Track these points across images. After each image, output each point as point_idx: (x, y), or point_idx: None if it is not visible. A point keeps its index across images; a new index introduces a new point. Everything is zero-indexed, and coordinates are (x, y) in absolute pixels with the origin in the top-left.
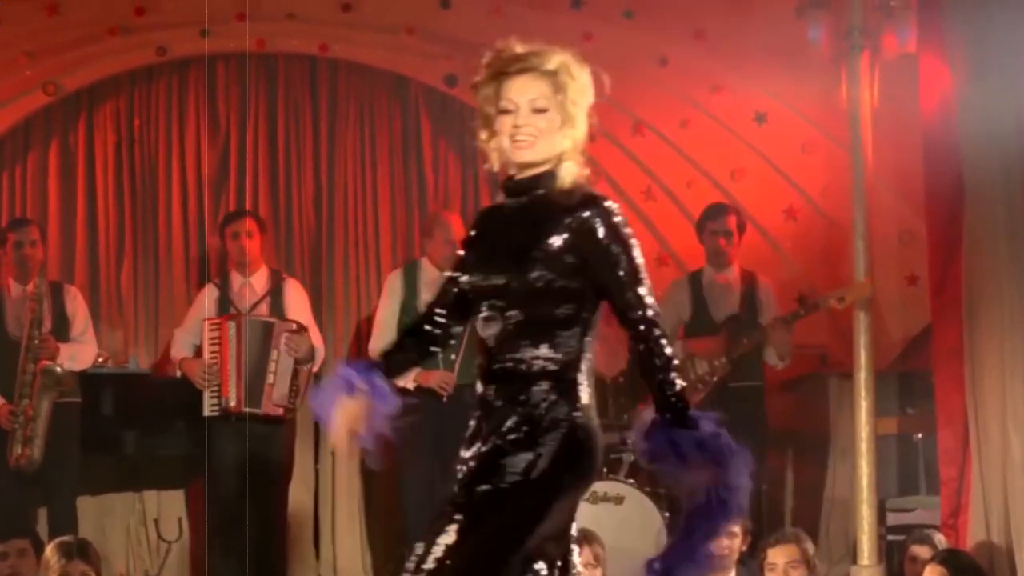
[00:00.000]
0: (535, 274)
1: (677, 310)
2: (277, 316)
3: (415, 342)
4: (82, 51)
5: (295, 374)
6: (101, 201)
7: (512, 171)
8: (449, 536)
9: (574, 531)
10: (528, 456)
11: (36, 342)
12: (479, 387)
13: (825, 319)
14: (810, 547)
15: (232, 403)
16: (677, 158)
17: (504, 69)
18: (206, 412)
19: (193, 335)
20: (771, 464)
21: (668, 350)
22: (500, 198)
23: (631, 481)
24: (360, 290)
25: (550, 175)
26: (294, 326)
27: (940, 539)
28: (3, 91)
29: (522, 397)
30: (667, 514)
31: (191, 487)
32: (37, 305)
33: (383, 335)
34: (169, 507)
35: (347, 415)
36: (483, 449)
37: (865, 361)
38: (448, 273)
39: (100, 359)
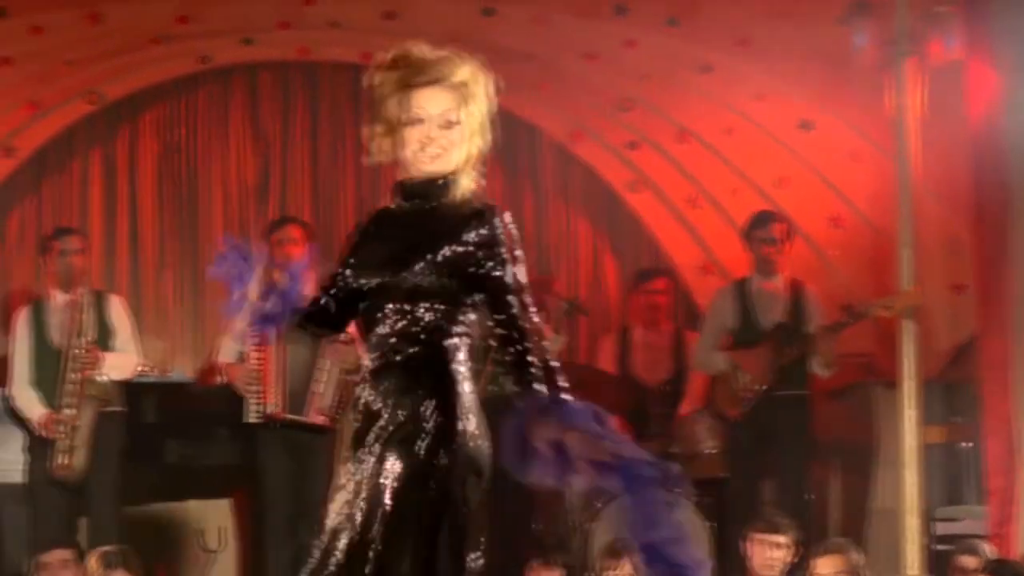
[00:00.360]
0: (428, 278)
1: (723, 318)
2: None
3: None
4: (124, 60)
5: (341, 384)
6: (144, 210)
7: (407, 174)
8: None
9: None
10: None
11: (79, 351)
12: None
13: (871, 328)
14: (858, 558)
15: (274, 409)
16: (721, 166)
17: (413, 79)
18: (247, 419)
19: (238, 342)
20: (816, 474)
21: (533, 359)
22: (391, 200)
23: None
24: None
25: (447, 184)
26: (343, 336)
27: (988, 549)
28: (45, 100)
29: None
30: (710, 523)
31: (235, 496)
32: (80, 314)
33: None
34: (212, 517)
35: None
36: None
37: (911, 370)
38: (341, 269)
39: (143, 368)
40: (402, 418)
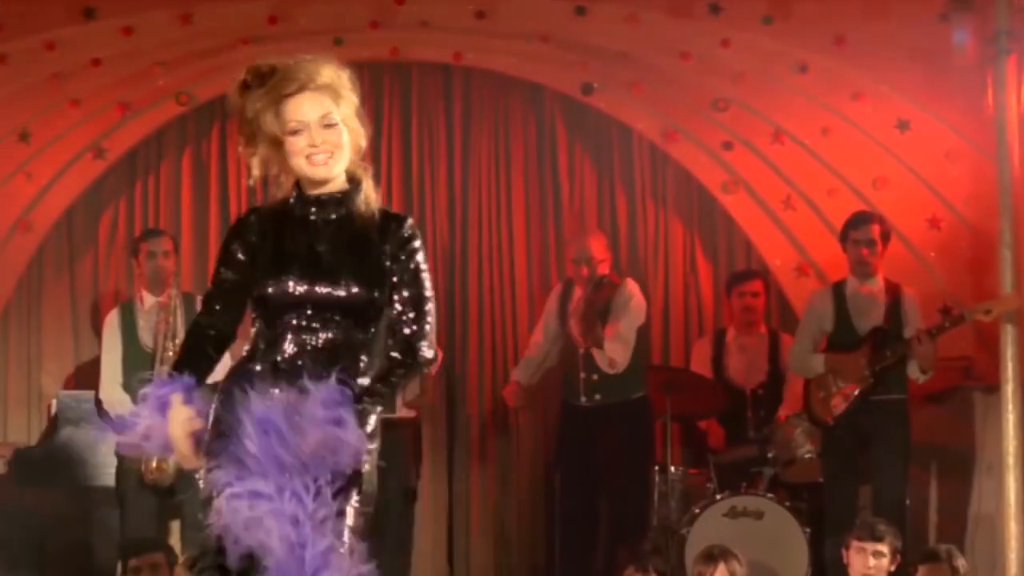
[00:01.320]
0: (361, 288)
1: (820, 321)
2: None
3: (212, 342)
4: (215, 61)
5: (423, 377)
6: (234, 211)
7: (306, 186)
8: None
9: None
10: None
11: (170, 354)
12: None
13: (970, 331)
14: (962, 565)
15: None
16: (817, 167)
17: (282, 90)
18: None
19: None
20: (915, 479)
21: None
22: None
23: (771, 496)
24: (494, 299)
25: (353, 193)
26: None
27: None
28: (136, 101)
29: None
30: (807, 529)
31: None
32: (170, 316)
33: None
34: None
35: (182, 424)
36: None
37: (1012, 374)
38: (224, 271)
39: None
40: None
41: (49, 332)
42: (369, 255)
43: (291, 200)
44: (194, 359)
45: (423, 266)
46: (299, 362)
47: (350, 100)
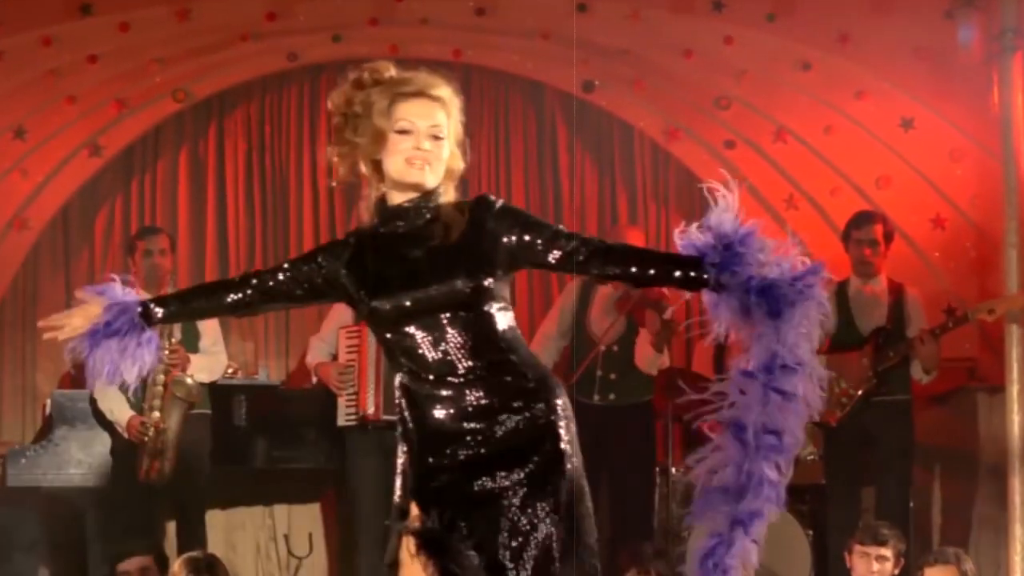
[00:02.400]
0: (465, 281)
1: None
2: None
3: (215, 291)
4: (212, 57)
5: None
6: (231, 209)
7: (392, 194)
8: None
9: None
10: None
11: (166, 353)
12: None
13: (974, 331)
14: (970, 568)
15: (371, 411)
16: (820, 165)
17: (400, 89)
18: (341, 421)
19: (329, 344)
20: (918, 481)
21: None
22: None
23: None
24: None
25: (434, 197)
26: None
27: None
28: (133, 98)
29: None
30: (810, 532)
31: (323, 501)
32: None
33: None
34: (300, 522)
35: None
36: None
37: (1017, 375)
38: (295, 264)
39: (230, 370)
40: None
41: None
42: (466, 246)
43: (377, 220)
44: (186, 291)
45: (531, 215)
46: (450, 359)
47: (457, 124)
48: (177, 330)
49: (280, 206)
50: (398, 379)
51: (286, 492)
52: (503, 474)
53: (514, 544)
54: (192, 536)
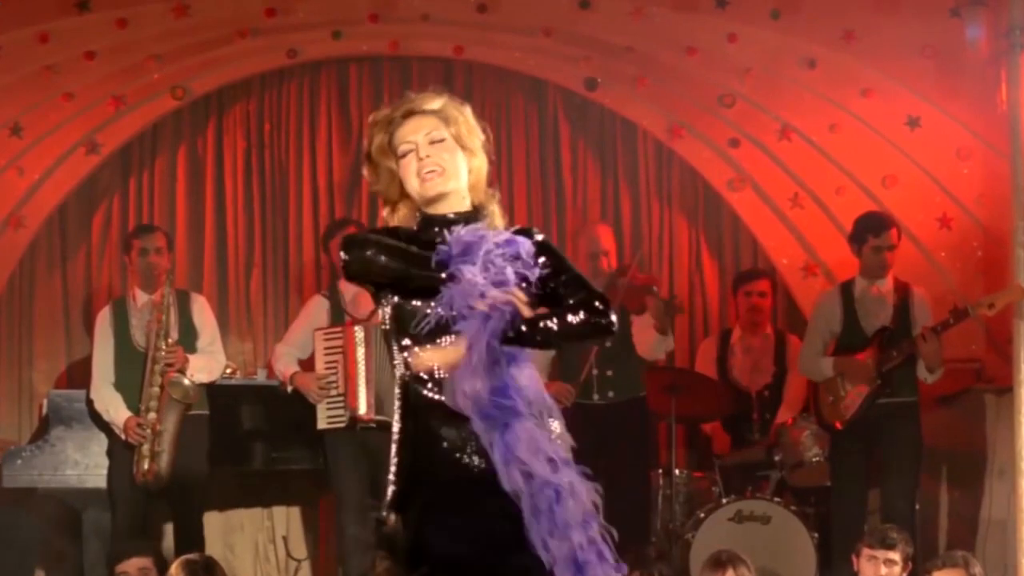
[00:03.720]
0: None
1: (828, 322)
2: None
3: None
4: (211, 54)
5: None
6: (230, 208)
7: (426, 208)
8: None
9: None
10: None
11: (163, 353)
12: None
13: (980, 331)
14: (978, 571)
15: (362, 411)
16: (826, 164)
17: (391, 119)
18: (322, 425)
19: (298, 349)
20: (925, 483)
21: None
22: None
23: (778, 500)
24: None
25: (480, 216)
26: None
27: None
28: (131, 95)
29: None
30: (815, 534)
31: (321, 503)
32: (164, 315)
33: None
34: (298, 524)
35: None
36: None
37: None
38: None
39: (228, 370)
40: None
41: (41, 330)
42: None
43: (416, 227)
44: None
45: (567, 260)
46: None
47: (462, 127)
48: (174, 330)
49: (279, 204)
50: (399, 385)
51: (285, 493)
52: (493, 500)
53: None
54: (190, 538)
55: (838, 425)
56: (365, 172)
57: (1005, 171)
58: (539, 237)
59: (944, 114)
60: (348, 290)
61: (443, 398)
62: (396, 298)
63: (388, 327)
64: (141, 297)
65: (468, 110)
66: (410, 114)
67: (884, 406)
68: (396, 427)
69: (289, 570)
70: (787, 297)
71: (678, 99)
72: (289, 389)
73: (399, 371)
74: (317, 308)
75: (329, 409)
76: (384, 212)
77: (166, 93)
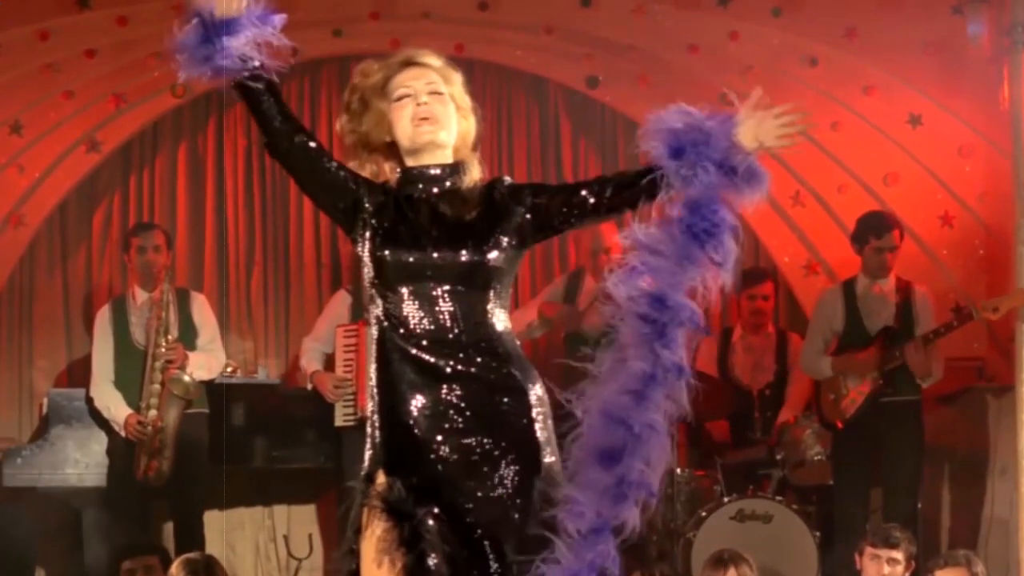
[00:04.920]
0: (471, 253)
1: (830, 320)
2: None
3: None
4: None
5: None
6: (230, 206)
7: (408, 158)
8: None
9: None
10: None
11: (163, 351)
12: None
13: (982, 331)
14: (980, 570)
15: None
16: (827, 162)
17: (390, 65)
18: (338, 422)
19: (324, 344)
20: (927, 482)
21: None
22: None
23: (779, 499)
24: None
25: (460, 170)
26: None
27: None
28: (131, 93)
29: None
30: (817, 533)
31: (322, 501)
32: (163, 313)
33: None
34: (299, 522)
35: None
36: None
37: None
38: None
39: (228, 368)
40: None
41: (41, 328)
42: (476, 220)
43: (398, 180)
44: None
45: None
46: (439, 329)
47: (460, 89)
48: (174, 328)
49: (280, 202)
50: (375, 333)
51: (286, 492)
52: (477, 451)
53: (484, 516)
54: (190, 537)
55: (840, 424)
56: (341, 123)
57: (1007, 169)
58: (507, 180)
59: (946, 112)
60: None
61: (425, 357)
62: (368, 241)
63: (367, 274)
64: (140, 295)
65: (459, 75)
66: (410, 63)
67: (886, 405)
68: (372, 378)
69: (290, 569)
70: (789, 296)
71: (680, 97)
72: (309, 387)
73: (374, 319)
74: (340, 303)
75: (345, 406)
76: (351, 164)
77: (166, 91)
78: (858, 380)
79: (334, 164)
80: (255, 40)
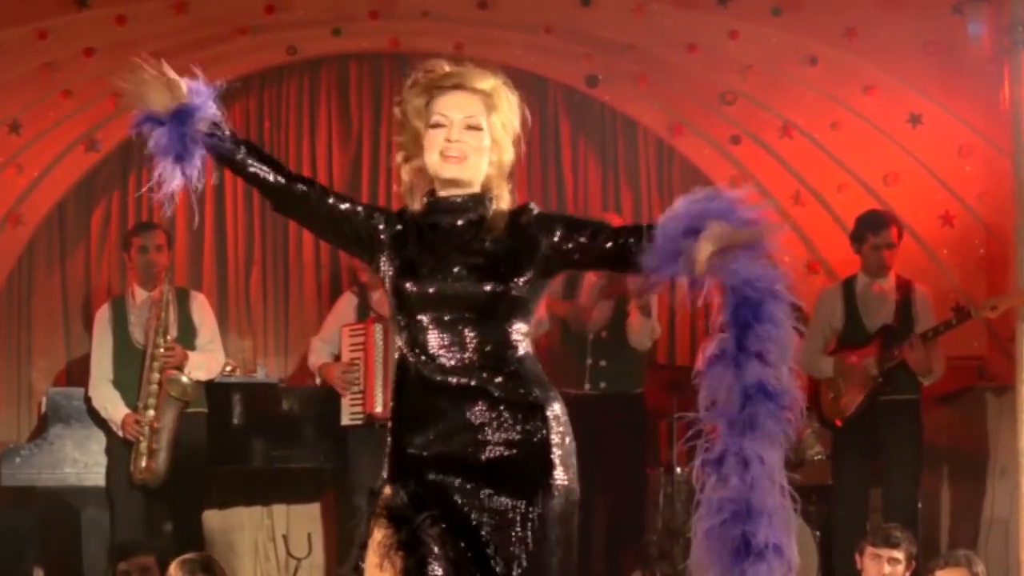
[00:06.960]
0: (490, 284)
1: (829, 319)
2: None
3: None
4: (211, 51)
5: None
6: (230, 206)
7: (437, 188)
8: None
9: None
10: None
11: (162, 350)
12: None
13: (982, 330)
14: (980, 570)
15: (378, 410)
16: (827, 161)
17: (437, 84)
18: (345, 420)
19: (331, 344)
20: (927, 482)
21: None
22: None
23: None
24: None
25: (486, 200)
26: None
27: None
28: None
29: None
30: (817, 533)
31: (322, 501)
32: (163, 312)
33: None
34: (298, 522)
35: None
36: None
37: None
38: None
39: (228, 368)
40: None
41: (39, 328)
42: (502, 251)
43: (424, 208)
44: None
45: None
46: (457, 360)
47: (505, 117)
48: (174, 327)
49: None
50: (398, 358)
51: (285, 492)
52: (488, 463)
53: (491, 533)
54: (189, 537)
55: (839, 422)
56: (397, 114)
57: (1007, 168)
58: (532, 207)
59: (946, 111)
60: (374, 288)
61: (443, 385)
62: (390, 272)
63: (391, 303)
64: (140, 294)
65: (516, 99)
66: (458, 88)
67: (886, 404)
68: (392, 403)
69: (289, 569)
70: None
71: (679, 96)
72: (318, 382)
73: (398, 348)
74: (346, 304)
75: (352, 406)
76: (397, 158)
77: None
78: (857, 379)
79: (342, 205)
80: (214, 111)
